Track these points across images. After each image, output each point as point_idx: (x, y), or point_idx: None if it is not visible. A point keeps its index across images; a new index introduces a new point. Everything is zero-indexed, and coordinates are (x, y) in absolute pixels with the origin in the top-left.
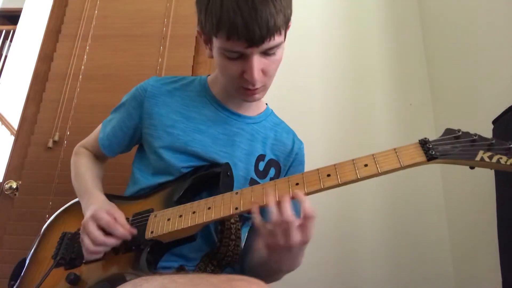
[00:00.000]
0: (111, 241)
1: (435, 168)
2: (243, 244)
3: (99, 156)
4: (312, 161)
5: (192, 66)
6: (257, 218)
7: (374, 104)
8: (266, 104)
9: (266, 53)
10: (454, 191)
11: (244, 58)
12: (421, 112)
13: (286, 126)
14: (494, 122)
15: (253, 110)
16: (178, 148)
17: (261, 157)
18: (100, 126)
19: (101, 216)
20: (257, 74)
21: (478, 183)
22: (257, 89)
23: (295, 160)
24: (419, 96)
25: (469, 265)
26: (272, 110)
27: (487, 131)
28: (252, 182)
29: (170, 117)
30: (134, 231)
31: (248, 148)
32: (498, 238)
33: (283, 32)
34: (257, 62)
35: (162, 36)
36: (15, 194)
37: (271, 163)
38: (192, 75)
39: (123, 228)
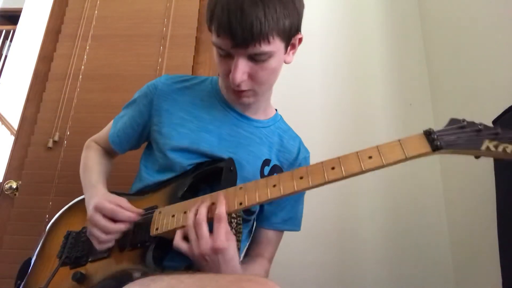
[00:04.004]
0: (121, 226)
1: (435, 166)
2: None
3: (109, 151)
4: (313, 161)
5: (192, 66)
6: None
7: (374, 104)
8: (276, 110)
9: (254, 58)
10: (454, 190)
11: (231, 57)
12: (421, 112)
13: (293, 133)
14: (494, 122)
15: (262, 114)
16: (185, 146)
17: (266, 162)
18: (112, 122)
19: (104, 205)
20: (239, 77)
21: (478, 181)
22: (243, 91)
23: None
24: (419, 96)
25: (469, 265)
26: (281, 116)
27: None
28: None
29: (179, 115)
30: (141, 211)
31: (255, 151)
32: (498, 238)
33: (275, 42)
34: (242, 64)
35: (162, 36)
36: (15, 194)
37: (275, 169)
38: (190, 75)
39: (129, 212)
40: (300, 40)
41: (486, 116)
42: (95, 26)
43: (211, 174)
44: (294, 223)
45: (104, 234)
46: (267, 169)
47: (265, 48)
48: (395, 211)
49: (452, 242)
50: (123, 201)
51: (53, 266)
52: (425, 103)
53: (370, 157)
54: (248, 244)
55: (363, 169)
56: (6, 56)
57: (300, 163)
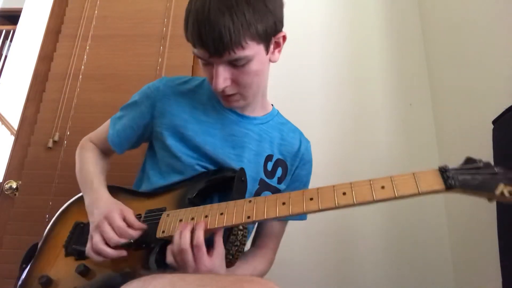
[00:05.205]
0: (122, 241)
1: (435, 165)
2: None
3: (105, 151)
4: (313, 160)
5: (192, 66)
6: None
7: (374, 104)
8: (272, 105)
9: (233, 63)
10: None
11: (212, 65)
12: (421, 112)
13: (292, 125)
14: (494, 122)
15: (259, 111)
16: (191, 147)
17: (269, 157)
18: (108, 122)
19: (114, 218)
20: (220, 83)
21: None
22: (230, 96)
23: (302, 159)
24: (419, 96)
25: (469, 265)
26: (278, 110)
27: (487, 131)
28: (261, 183)
29: (182, 117)
30: (145, 226)
31: (256, 148)
32: (498, 239)
33: (250, 46)
34: (222, 71)
35: (162, 36)
36: (15, 194)
37: (278, 163)
38: (192, 75)
39: (133, 231)
40: (284, 38)
41: (486, 116)
42: (95, 26)
43: (221, 183)
44: None
45: (104, 244)
46: (270, 165)
47: (240, 54)
48: (395, 210)
49: (452, 242)
50: (129, 213)
51: (59, 255)
52: (425, 103)
53: (382, 187)
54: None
55: (375, 199)
56: (6, 56)
57: (303, 154)
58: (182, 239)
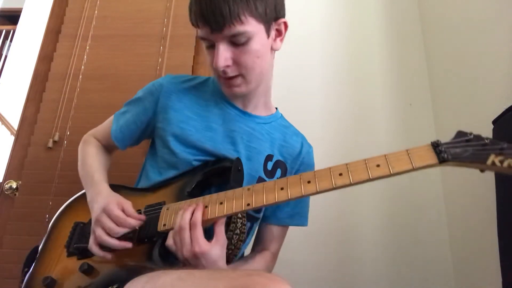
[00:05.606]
0: (123, 231)
1: (435, 167)
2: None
3: (107, 147)
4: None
5: (192, 66)
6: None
7: (374, 104)
8: (276, 108)
9: (234, 41)
10: (454, 191)
11: (214, 46)
12: (421, 112)
13: (295, 129)
14: (494, 122)
15: (263, 110)
16: (189, 143)
17: (269, 157)
18: (111, 118)
19: (111, 209)
20: (221, 61)
21: (478, 182)
22: (232, 78)
23: (302, 163)
24: (419, 96)
25: (469, 265)
26: (281, 114)
27: (487, 131)
28: (260, 181)
29: (184, 113)
30: (143, 217)
31: (257, 146)
32: (498, 239)
33: (249, 22)
34: (223, 49)
35: (162, 36)
36: (15, 194)
37: (278, 164)
38: (192, 75)
39: (131, 219)
40: (286, 25)
41: (486, 116)
42: (95, 26)
43: (219, 173)
44: (301, 217)
45: (106, 236)
46: (270, 164)
47: (239, 28)
48: (395, 210)
49: (451, 241)
50: (127, 205)
51: (61, 255)
52: (425, 103)
53: (378, 166)
54: (253, 241)
55: (370, 177)
56: (6, 56)
57: (304, 157)
58: (182, 219)
